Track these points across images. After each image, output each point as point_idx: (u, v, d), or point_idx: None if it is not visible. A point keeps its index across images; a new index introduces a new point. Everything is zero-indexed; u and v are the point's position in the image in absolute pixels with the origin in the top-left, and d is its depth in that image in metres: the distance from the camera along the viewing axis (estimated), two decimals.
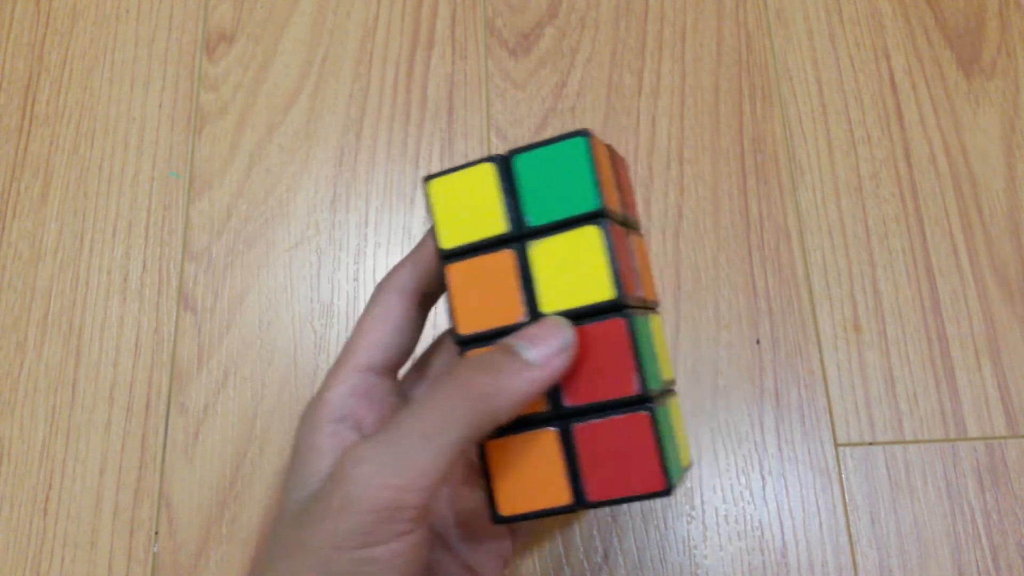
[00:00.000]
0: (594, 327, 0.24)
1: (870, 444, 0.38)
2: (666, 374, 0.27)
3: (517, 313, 0.25)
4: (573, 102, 0.44)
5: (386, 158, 0.43)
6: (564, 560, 0.36)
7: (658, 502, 0.37)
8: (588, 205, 0.24)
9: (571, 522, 0.37)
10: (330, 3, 0.46)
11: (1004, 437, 0.38)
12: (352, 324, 0.40)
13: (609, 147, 0.27)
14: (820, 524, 0.37)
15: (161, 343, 0.40)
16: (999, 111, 0.44)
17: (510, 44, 0.45)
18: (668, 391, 0.27)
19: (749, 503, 0.37)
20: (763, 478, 0.37)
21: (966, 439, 0.38)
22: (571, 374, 0.24)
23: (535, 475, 0.25)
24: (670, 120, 0.44)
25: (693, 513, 0.37)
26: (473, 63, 0.45)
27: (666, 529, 0.37)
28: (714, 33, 0.45)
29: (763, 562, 0.36)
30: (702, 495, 0.37)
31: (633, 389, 0.24)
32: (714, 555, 0.36)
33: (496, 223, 0.25)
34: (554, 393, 0.25)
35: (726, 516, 0.37)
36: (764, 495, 0.37)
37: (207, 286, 0.41)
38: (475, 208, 0.25)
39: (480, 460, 0.26)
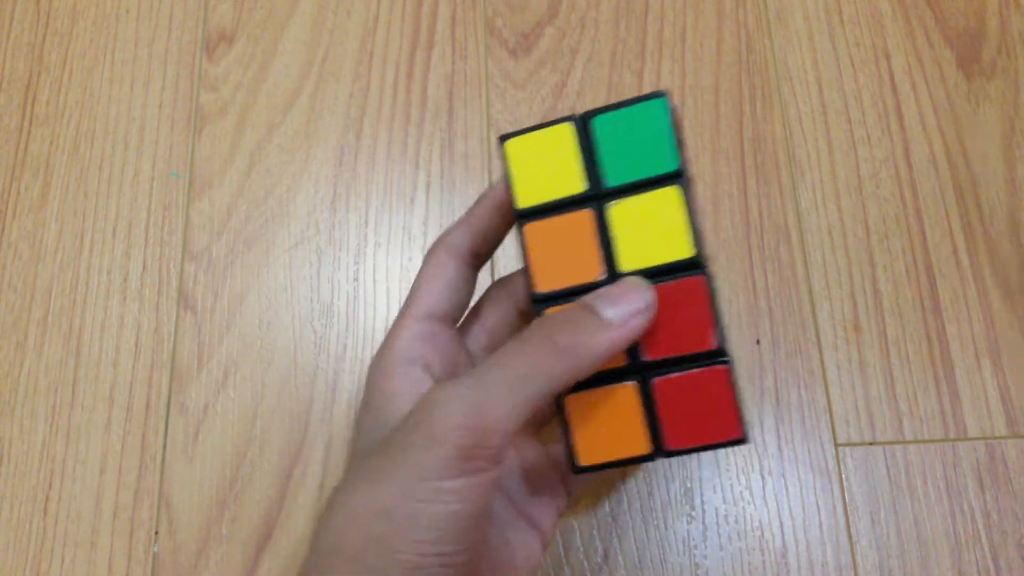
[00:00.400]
0: (674, 284, 0.25)
1: (870, 444, 0.38)
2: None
3: (595, 272, 0.25)
4: (573, 102, 0.44)
5: (386, 158, 0.43)
6: (564, 560, 0.36)
7: (658, 502, 0.37)
8: (668, 166, 0.24)
9: (571, 522, 0.37)
10: (330, 3, 0.46)
11: (1004, 437, 0.38)
12: (352, 324, 0.40)
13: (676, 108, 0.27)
14: (820, 524, 0.37)
15: (161, 343, 0.40)
16: (999, 111, 0.44)
17: (510, 44, 0.45)
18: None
19: (749, 503, 0.37)
20: (763, 478, 0.37)
21: (966, 439, 0.38)
22: (650, 329, 0.25)
23: (614, 426, 0.25)
24: None
25: (693, 513, 0.37)
26: (473, 63, 0.45)
27: (666, 529, 0.37)
28: (714, 33, 0.45)
29: (763, 562, 0.36)
30: (702, 495, 0.37)
31: (712, 344, 0.24)
32: (714, 555, 0.36)
33: (574, 183, 0.25)
34: (633, 348, 0.25)
35: (726, 516, 0.37)
36: (764, 495, 0.37)
37: (207, 286, 0.41)
38: (553, 168, 0.25)
39: (558, 414, 0.26)
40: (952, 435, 0.38)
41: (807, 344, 0.39)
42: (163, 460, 0.38)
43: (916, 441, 0.38)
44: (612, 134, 0.25)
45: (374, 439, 0.26)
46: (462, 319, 0.31)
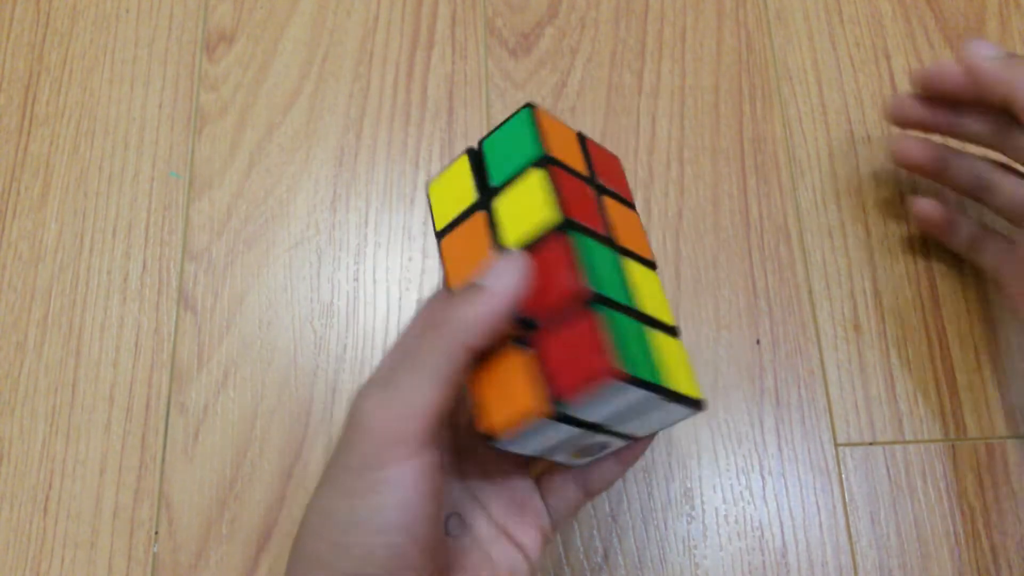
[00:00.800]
0: (542, 246, 0.26)
1: (870, 444, 0.38)
2: (662, 317, 0.28)
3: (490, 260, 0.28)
4: (573, 102, 0.44)
5: (386, 158, 0.43)
6: (564, 560, 0.36)
7: (658, 502, 0.37)
8: (531, 154, 0.27)
9: (571, 522, 0.37)
10: (330, 3, 0.46)
11: (1004, 437, 0.38)
12: (352, 324, 0.40)
13: (590, 141, 0.30)
14: (820, 524, 0.37)
15: (161, 343, 0.40)
16: None
17: (510, 44, 0.45)
18: (663, 327, 0.28)
19: (749, 503, 0.37)
20: (763, 478, 0.37)
21: (966, 439, 0.38)
22: (531, 293, 0.26)
23: (512, 391, 0.26)
24: (670, 120, 0.44)
25: (693, 513, 0.37)
26: (473, 63, 0.45)
27: (666, 529, 0.37)
28: (714, 33, 0.45)
29: (763, 562, 0.36)
30: (702, 495, 0.37)
31: (575, 286, 0.25)
32: (714, 555, 0.36)
33: (470, 196, 0.29)
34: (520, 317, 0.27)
35: (726, 516, 0.37)
36: (764, 495, 0.37)
37: (207, 286, 0.41)
38: (458, 192, 0.29)
39: (467, 390, 0.27)
40: (952, 435, 0.38)
41: (807, 344, 0.39)
42: (163, 460, 0.38)
43: (916, 441, 0.38)
44: (495, 149, 0.29)
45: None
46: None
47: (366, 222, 0.42)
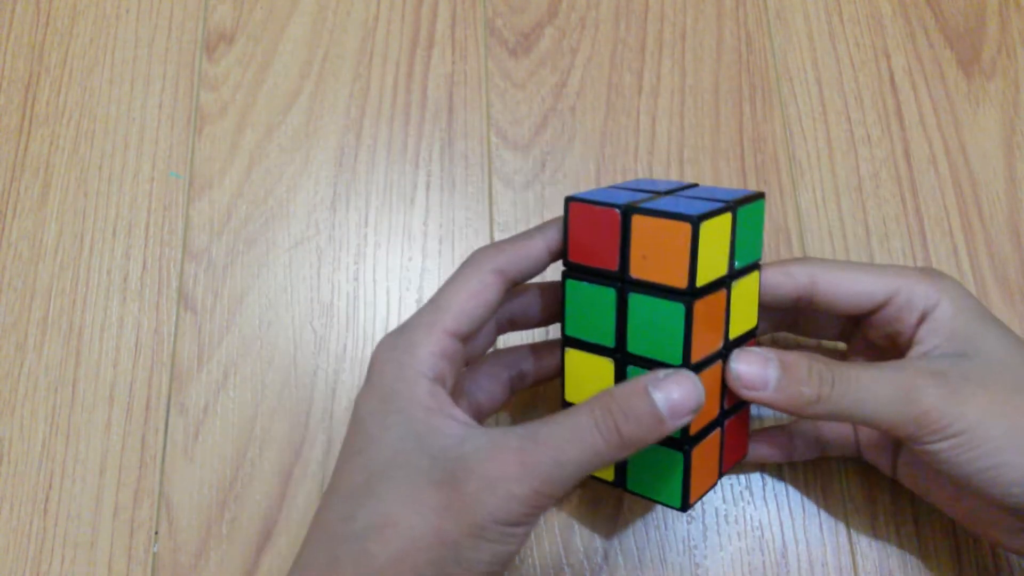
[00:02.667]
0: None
1: None
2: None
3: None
4: (573, 102, 0.44)
5: (386, 158, 0.43)
6: (564, 560, 0.36)
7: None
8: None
9: (571, 522, 0.37)
10: (330, 3, 0.46)
11: None
12: (352, 324, 0.40)
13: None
14: (820, 524, 0.37)
15: (161, 343, 0.40)
16: (999, 111, 0.44)
17: (510, 44, 0.45)
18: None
19: (749, 503, 0.37)
20: (763, 478, 0.37)
21: None
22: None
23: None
24: (670, 120, 0.44)
25: (693, 513, 0.37)
26: (473, 63, 0.45)
27: (666, 529, 0.37)
28: (714, 33, 0.45)
29: (763, 562, 0.36)
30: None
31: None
32: (714, 555, 0.36)
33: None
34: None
35: (726, 516, 0.37)
36: (764, 495, 0.37)
37: (207, 286, 0.41)
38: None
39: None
40: None
41: (807, 344, 0.39)
42: (163, 460, 0.38)
43: None
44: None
45: (416, 452, 0.27)
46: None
47: (366, 222, 0.42)
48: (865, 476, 0.37)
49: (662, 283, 0.28)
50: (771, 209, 0.42)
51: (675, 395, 0.26)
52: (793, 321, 0.36)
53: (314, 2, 0.46)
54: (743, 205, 0.29)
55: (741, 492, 0.37)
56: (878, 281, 0.31)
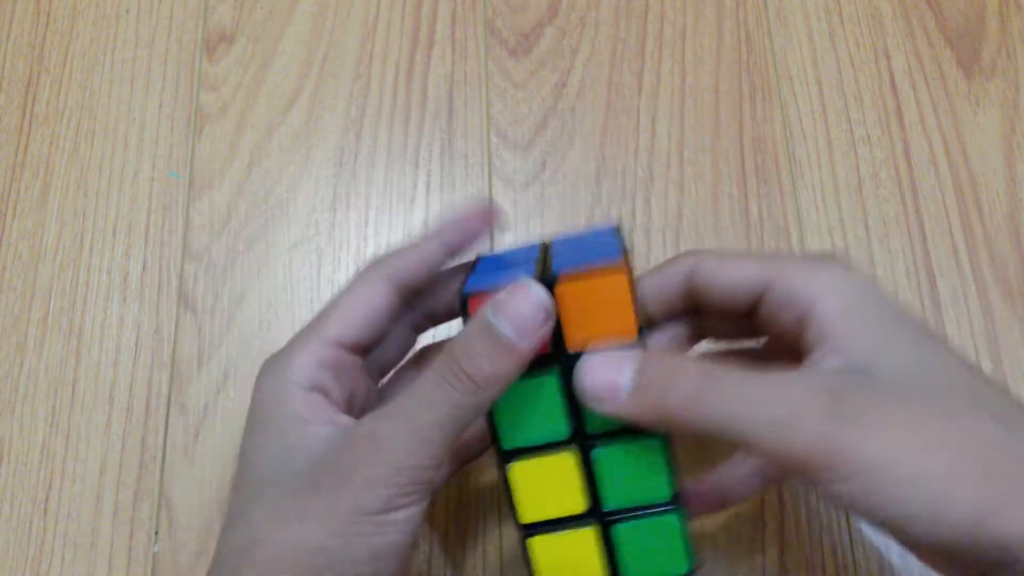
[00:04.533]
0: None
1: None
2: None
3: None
4: (573, 102, 0.44)
5: (386, 158, 0.43)
6: None
7: None
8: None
9: None
10: (330, 3, 0.46)
11: None
12: None
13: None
14: (820, 524, 0.37)
15: (161, 343, 0.40)
16: (999, 111, 0.44)
17: (510, 44, 0.45)
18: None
19: (749, 502, 0.37)
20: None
21: None
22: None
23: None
24: (670, 120, 0.44)
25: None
26: (473, 63, 0.45)
27: None
28: (714, 33, 0.45)
29: (763, 562, 0.36)
30: None
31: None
32: (714, 555, 0.36)
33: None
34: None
35: (726, 516, 0.37)
36: (764, 494, 0.37)
37: (207, 286, 0.41)
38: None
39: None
40: None
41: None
42: (163, 460, 0.38)
43: None
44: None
45: (286, 466, 0.26)
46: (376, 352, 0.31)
47: (366, 222, 0.42)
48: None
49: (608, 343, 0.25)
50: (771, 209, 0.42)
51: (519, 310, 0.24)
52: (705, 326, 0.31)
53: (314, 2, 0.46)
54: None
55: None
56: (749, 270, 0.27)
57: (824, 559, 0.36)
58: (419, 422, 0.24)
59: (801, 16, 0.46)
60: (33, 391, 0.39)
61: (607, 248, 0.27)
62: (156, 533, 0.37)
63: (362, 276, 0.29)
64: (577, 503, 0.27)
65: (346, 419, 0.27)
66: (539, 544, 0.27)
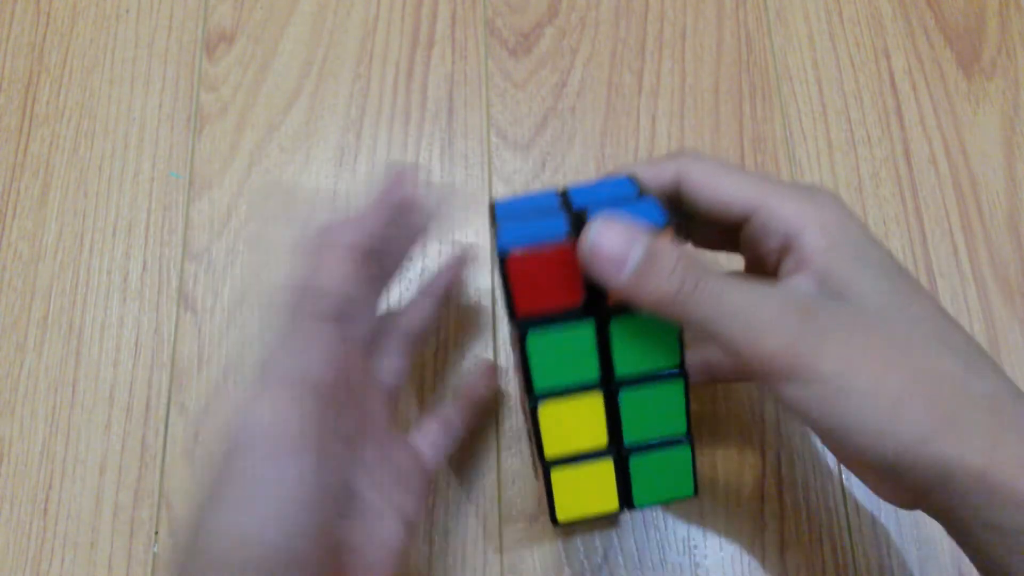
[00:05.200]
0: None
1: None
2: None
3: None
4: (573, 102, 0.44)
5: (386, 158, 0.43)
6: (564, 560, 0.36)
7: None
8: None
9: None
10: (330, 3, 0.46)
11: None
12: None
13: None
14: (820, 524, 0.37)
15: (161, 343, 0.40)
16: (999, 111, 0.44)
17: (510, 44, 0.45)
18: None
19: (749, 502, 0.37)
20: (763, 476, 0.37)
21: None
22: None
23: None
24: (670, 120, 0.44)
25: (693, 513, 0.37)
26: (473, 63, 0.45)
27: (666, 529, 0.37)
28: (714, 33, 0.45)
29: (763, 562, 0.36)
30: None
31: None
32: (714, 555, 0.36)
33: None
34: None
35: (726, 516, 0.37)
36: (763, 494, 0.37)
37: (207, 286, 0.41)
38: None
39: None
40: None
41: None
42: (163, 460, 0.38)
43: None
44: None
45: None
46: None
47: None
48: None
49: None
50: None
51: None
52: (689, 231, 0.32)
53: (314, 2, 0.46)
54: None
55: (740, 491, 0.37)
56: (740, 190, 0.27)
57: (824, 559, 0.36)
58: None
59: (801, 16, 0.46)
60: (33, 391, 0.39)
61: (633, 200, 0.27)
62: (156, 533, 0.37)
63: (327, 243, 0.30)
64: (600, 439, 0.29)
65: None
66: (560, 476, 0.29)
